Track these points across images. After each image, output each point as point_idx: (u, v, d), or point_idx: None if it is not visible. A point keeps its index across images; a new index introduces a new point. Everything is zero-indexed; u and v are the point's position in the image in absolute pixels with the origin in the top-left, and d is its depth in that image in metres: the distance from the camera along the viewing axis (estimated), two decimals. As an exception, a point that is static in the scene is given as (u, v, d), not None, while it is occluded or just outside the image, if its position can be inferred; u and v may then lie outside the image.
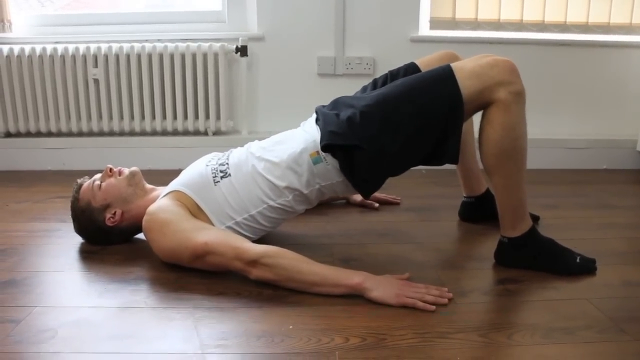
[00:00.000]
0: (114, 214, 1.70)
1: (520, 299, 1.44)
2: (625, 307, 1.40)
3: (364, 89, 1.77)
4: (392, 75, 1.75)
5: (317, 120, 1.62)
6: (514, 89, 1.47)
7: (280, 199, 1.60)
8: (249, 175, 1.60)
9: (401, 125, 1.49)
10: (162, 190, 1.73)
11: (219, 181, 1.61)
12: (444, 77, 1.50)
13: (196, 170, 1.67)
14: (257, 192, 1.59)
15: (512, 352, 1.19)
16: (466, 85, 1.47)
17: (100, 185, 1.71)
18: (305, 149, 1.57)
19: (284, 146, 1.62)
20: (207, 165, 1.67)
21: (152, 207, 1.59)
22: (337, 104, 1.65)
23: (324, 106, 1.68)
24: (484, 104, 1.50)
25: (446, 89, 1.48)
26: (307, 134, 1.61)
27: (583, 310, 1.37)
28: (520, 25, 2.88)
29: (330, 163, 1.56)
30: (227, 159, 1.68)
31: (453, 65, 1.51)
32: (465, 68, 1.50)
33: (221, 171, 1.63)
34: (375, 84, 1.75)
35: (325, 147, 1.53)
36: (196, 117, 2.80)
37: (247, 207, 1.59)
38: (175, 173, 1.90)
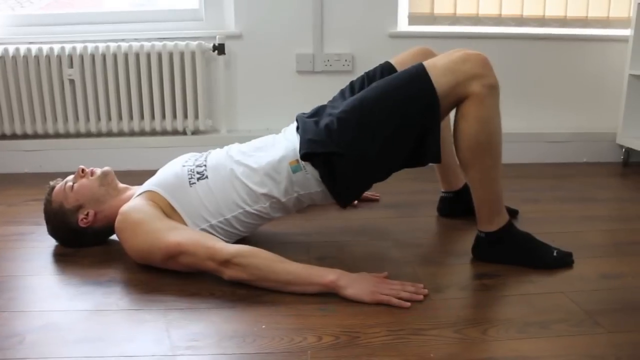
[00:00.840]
0: (87, 214, 1.68)
1: (497, 294, 1.44)
2: (601, 300, 1.39)
3: (342, 92, 1.76)
4: (369, 77, 1.75)
5: (297, 128, 1.61)
6: (488, 82, 1.47)
7: (257, 205, 1.58)
8: (226, 179, 1.58)
9: (379, 127, 1.49)
10: (136, 190, 1.71)
11: (194, 183, 1.59)
12: (418, 76, 1.49)
13: (172, 171, 1.65)
14: (234, 196, 1.57)
15: (487, 347, 1.18)
16: (440, 82, 1.47)
17: (72, 187, 1.69)
18: (284, 156, 1.56)
19: (264, 153, 1.60)
20: (183, 166, 1.65)
21: (124, 207, 1.56)
22: (316, 111, 1.65)
23: (304, 114, 1.66)
24: (459, 99, 1.49)
25: (420, 87, 1.48)
26: (287, 141, 1.60)
27: (559, 303, 1.37)
28: (498, 20, 2.89)
29: (309, 172, 1.55)
30: (205, 160, 1.65)
31: (425, 63, 1.51)
32: (438, 65, 1.49)
33: (198, 172, 1.61)
34: (352, 87, 1.74)
35: (305, 155, 1.52)
36: (174, 116, 2.77)
37: (223, 211, 1.57)
38: (154, 174, 1.88)
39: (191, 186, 1.59)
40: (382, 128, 1.49)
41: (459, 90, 1.47)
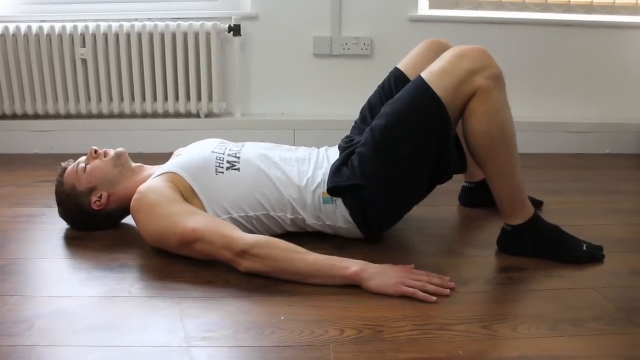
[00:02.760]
0: (100, 197, 1.63)
1: (525, 288, 1.38)
2: (634, 297, 1.33)
3: (362, 111, 1.76)
4: (384, 90, 1.73)
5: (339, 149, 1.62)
6: (491, 73, 1.41)
7: (280, 213, 1.54)
8: (258, 179, 1.54)
9: (396, 151, 1.46)
10: (155, 170, 1.65)
11: (222, 172, 1.53)
12: (418, 90, 1.46)
13: (199, 155, 1.59)
14: (261, 197, 1.52)
15: (518, 345, 1.12)
16: (441, 87, 1.42)
17: (85, 168, 1.64)
18: (321, 183, 1.54)
19: (305, 168, 1.58)
20: (212, 152, 1.59)
21: (142, 187, 1.51)
22: (352, 139, 1.65)
23: (348, 139, 1.67)
24: (467, 98, 1.43)
25: (424, 100, 1.44)
26: (328, 165, 1.57)
27: (591, 300, 1.31)
28: (523, 5, 2.80)
29: (339, 208, 1.53)
30: (240, 152, 1.60)
31: (423, 74, 1.47)
32: (434, 70, 1.45)
33: (229, 162, 1.56)
34: (370, 105, 1.74)
35: (331, 190, 1.51)
36: (188, 99, 2.71)
37: (244, 207, 1.52)
38: (167, 156, 1.83)
39: (217, 174, 1.53)
40: (399, 151, 1.46)
41: (463, 89, 1.41)
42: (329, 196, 1.53)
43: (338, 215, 1.54)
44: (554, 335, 1.15)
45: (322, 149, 1.68)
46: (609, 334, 1.17)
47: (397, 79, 1.71)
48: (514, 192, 1.50)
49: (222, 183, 1.52)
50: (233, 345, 1.11)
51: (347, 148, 1.59)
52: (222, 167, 1.54)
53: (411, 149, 1.46)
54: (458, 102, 1.43)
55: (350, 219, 1.54)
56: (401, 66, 1.73)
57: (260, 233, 1.56)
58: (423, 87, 1.43)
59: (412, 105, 1.46)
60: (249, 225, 1.54)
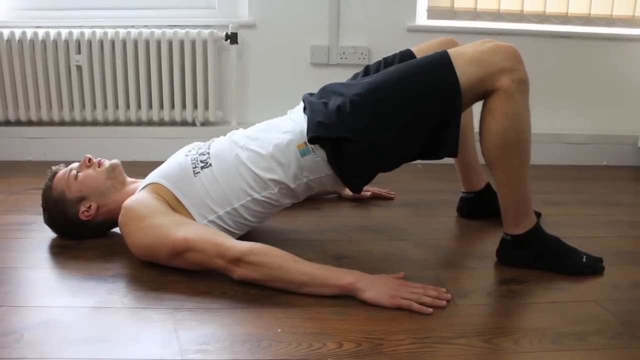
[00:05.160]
0: (89, 207, 1.59)
1: (525, 301, 1.35)
2: (637, 311, 1.31)
3: (355, 76, 1.67)
4: (386, 63, 1.66)
5: (304, 109, 1.52)
6: (518, 76, 1.38)
7: (265, 192, 1.49)
8: (232, 166, 1.50)
9: (394, 115, 1.40)
10: (140, 183, 1.62)
11: (199, 172, 1.50)
12: (441, 63, 1.40)
13: (175, 161, 1.56)
14: (241, 183, 1.48)
15: (520, 359, 1.09)
16: (466, 72, 1.38)
17: (76, 176, 1.60)
18: (292, 140, 1.47)
19: (270, 135, 1.51)
20: (186, 156, 1.56)
21: (128, 201, 1.48)
22: (325, 91, 1.55)
23: (311, 94, 1.58)
24: (484, 93, 1.41)
25: (443, 76, 1.39)
26: (294, 122, 1.51)
27: (592, 313, 1.28)
28: (520, 16, 2.79)
29: (319, 155, 1.46)
30: (208, 148, 1.57)
31: (451, 51, 1.42)
32: (465, 54, 1.40)
33: (201, 161, 1.53)
34: (367, 72, 1.65)
35: (312, 139, 1.44)
36: (183, 106, 2.69)
37: (230, 200, 1.48)
38: (161, 165, 1.80)
39: (195, 176, 1.50)
40: (397, 117, 1.40)
41: (485, 83, 1.38)
42: (305, 146, 1.46)
43: (320, 164, 1.47)
44: (557, 349, 1.13)
45: (286, 114, 1.61)
46: (612, 349, 1.14)
47: (404, 57, 1.64)
48: (520, 200, 1.48)
49: (201, 184, 1.49)
50: (228, 358, 1.07)
51: (322, 96, 1.51)
52: (197, 168, 1.51)
53: (410, 120, 1.40)
54: (474, 93, 1.40)
55: (328, 163, 1.47)
56: (414, 49, 1.68)
57: (255, 223, 1.55)
58: (447, 65, 1.38)
59: (428, 77, 1.40)
60: (240, 219, 1.50)
